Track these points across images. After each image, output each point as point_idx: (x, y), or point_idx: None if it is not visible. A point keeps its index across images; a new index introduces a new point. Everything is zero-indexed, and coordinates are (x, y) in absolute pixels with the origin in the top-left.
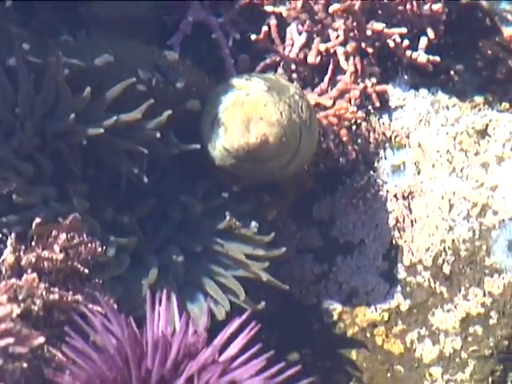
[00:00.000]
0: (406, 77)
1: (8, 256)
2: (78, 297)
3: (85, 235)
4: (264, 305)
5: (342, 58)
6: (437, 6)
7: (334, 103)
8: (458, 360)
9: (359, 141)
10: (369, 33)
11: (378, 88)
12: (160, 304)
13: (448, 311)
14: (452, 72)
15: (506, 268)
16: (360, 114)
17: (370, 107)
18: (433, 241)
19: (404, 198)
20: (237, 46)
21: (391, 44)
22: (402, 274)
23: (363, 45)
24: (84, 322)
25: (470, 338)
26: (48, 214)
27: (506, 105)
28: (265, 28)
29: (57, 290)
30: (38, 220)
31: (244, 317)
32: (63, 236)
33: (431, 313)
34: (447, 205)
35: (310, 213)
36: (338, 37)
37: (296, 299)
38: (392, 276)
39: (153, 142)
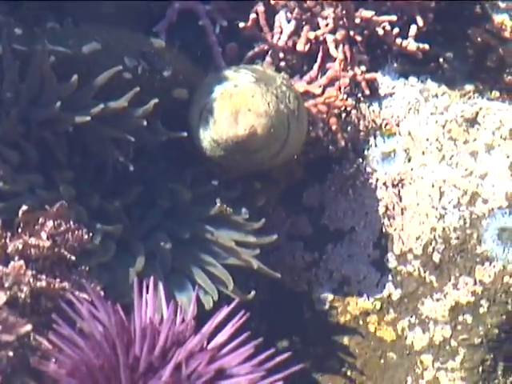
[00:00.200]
0: (395, 65)
1: None
2: (65, 284)
3: (71, 222)
4: (253, 294)
5: (331, 46)
6: None
7: (323, 91)
8: (448, 348)
9: (349, 129)
10: (358, 21)
11: (368, 76)
12: (147, 291)
13: (438, 300)
14: (442, 60)
15: (497, 256)
16: (350, 101)
17: (359, 95)
18: (423, 229)
19: (394, 185)
20: (225, 33)
21: (380, 32)
22: (392, 262)
23: (352, 33)
24: (71, 310)
25: (459, 327)
26: (34, 202)
27: (496, 93)
28: (253, 15)
29: (44, 277)
30: (24, 207)
31: (233, 305)
32: (50, 223)
33: (421, 302)
34: (437, 193)
35: (299, 200)
36: (327, 25)
37: (287, 287)
38: (383, 265)
39: (139, 129)
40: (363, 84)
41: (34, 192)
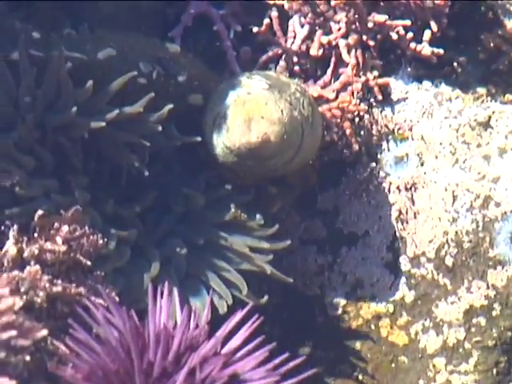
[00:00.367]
0: (408, 69)
1: (10, 248)
2: (81, 289)
3: (86, 227)
4: (267, 299)
5: (344, 51)
6: None
7: (336, 96)
8: (461, 351)
9: (362, 133)
10: (370, 25)
11: (380, 81)
12: (162, 297)
13: (452, 303)
14: (455, 64)
15: (510, 260)
16: (363, 106)
17: (372, 100)
18: (436, 232)
19: (407, 189)
20: (238, 38)
21: (394, 36)
22: (406, 265)
23: (365, 37)
24: (86, 315)
25: (473, 329)
26: (50, 206)
27: (508, 96)
28: (266, 20)
29: (60, 282)
30: (40, 212)
31: (246, 310)
32: (65, 228)
33: (435, 304)
34: (450, 196)
35: (313, 204)
36: (339, 29)
37: (299, 291)
38: (396, 268)
39: (154, 134)
40: (376, 89)
41: (49, 197)
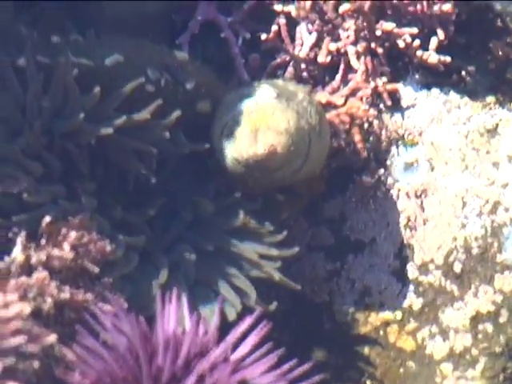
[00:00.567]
0: (417, 76)
1: (18, 254)
2: (89, 295)
3: (94, 233)
4: (276, 306)
5: (353, 58)
6: (447, 7)
7: (345, 102)
8: (468, 357)
9: (371, 139)
10: (378, 33)
11: (389, 87)
12: (170, 303)
13: (458, 309)
14: (463, 72)
15: None
16: (372, 112)
17: (381, 106)
18: (445, 239)
19: (417, 196)
20: (246, 45)
21: (401, 44)
22: (413, 273)
23: (373, 45)
24: (94, 321)
25: (480, 336)
26: (57, 213)
27: None
28: (274, 27)
29: (68, 288)
30: (47, 218)
31: (255, 316)
32: (73, 234)
33: (442, 311)
34: (460, 202)
35: (321, 211)
36: (348, 37)
37: (307, 297)
38: (404, 275)
39: (162, 141)
40: (385, 95)
41: (56, 203)
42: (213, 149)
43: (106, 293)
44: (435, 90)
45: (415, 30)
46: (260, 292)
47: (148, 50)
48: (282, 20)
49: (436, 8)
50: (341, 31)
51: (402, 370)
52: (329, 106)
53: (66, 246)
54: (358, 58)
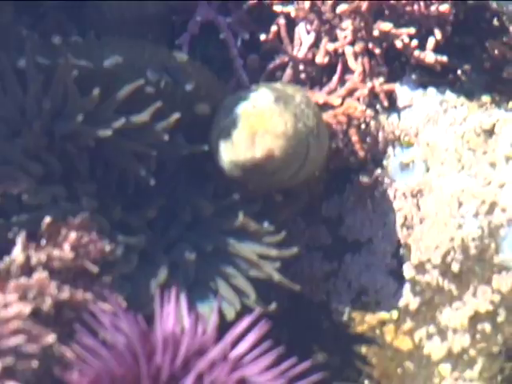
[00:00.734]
0: (413, 76)
1: (18, 255)
2: (88, 295)
3: (94, 234)
4: (275, 306)
5: (350, 58)
6: (444, 7)
7: (342, 102)
8: (466, 357)
9: (368, 139)
10: (376, 33)
11: (386, 87)
12: (169, 302)
13: (456, 309)
14: (459, 72)
15: None
16: (369, 112)
17: (378, 106)
18: (442, 239)
19: (413, 195)
20: (245, 46)
21: (399, 44)
22: (410, 272)
23: (370, 45)
24: (93, 320)
25: (478, 336)
26: (57, 214)
27: None
28: (274, 28)
29: (67, 288)
30: (47, 219)
31: (254, 315)
32: (73, 235)
33: (439, 311)
34: (456, 202)
35: (318, 211)
36: (345, 37)
37: (306, 297)
38: (401, 274)
39: (161, 143)
40: (382, 95)
41: (56, 204)
42: (211, 153)
43: (104, 292)
44: (431, 90)
45: (413, 30)
46: (259, 292)
47: (148, 51)
48: (281, 20)
49: (433, 8)
50: (338, 31)
51: (399, 370)
52: (326, 106)
53: (66, 247)
54: (356, 58)
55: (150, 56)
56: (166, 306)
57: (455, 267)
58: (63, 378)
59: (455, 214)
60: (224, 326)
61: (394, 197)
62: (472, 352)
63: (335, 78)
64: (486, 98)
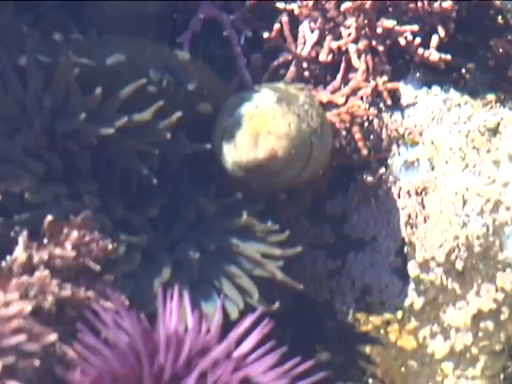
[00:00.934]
0: (417, 74)
1: (20, 254)
2: (90, 293)
3: (96, 233)
4: (278, 305)
5: (354, 56)
6: (447, 4)
7: (346, 101)
8: (468, 356)
9: (371, 138)
10: (379, 30)
11: (390, 85)
12: (172, 301)
13: (460, 308)
14: (464, 70)
15: None
16: (372, 110)
17: (381, 105)
18: (446, 237)
19: (417, 193)
20: (249, 43)
21: (402, 42)
22: (415, 270)
23: (374, 43)
24: (95, 319)
25: (480, 334)
26: (59, 212)
27: None
28: (277, 26)
29: (69, 286)
30: (49, 218)
31: (257, 314)
32: (75, 233)
33: (443, 310)
34: (461, 200)
35: (322, 209)
36: (349, 35)
37: (309, 296)
38: (405, 273)
39: (163, 142)
40: (385, 94)
41: (58, 202)
42: (214, 153)
43: (107, 290)
44: (435, 88)
45: (416, 27)
46: (262, 291)
47: (149, 49)
48: (284, 18)
49: (436, 5)
50: (342, 29)
51: (403, 369)
52: (330, 105)
53: (68, 245)
54: (359, 56)
55: (152, 54)
56: (169, 305)
57: (459, 265)
58: (65, 377)
59: (459, 213)
60: (227, 325)
61: (399, 195)
62: (474, 350)
63: (339, 77)
64: (490, 97)
